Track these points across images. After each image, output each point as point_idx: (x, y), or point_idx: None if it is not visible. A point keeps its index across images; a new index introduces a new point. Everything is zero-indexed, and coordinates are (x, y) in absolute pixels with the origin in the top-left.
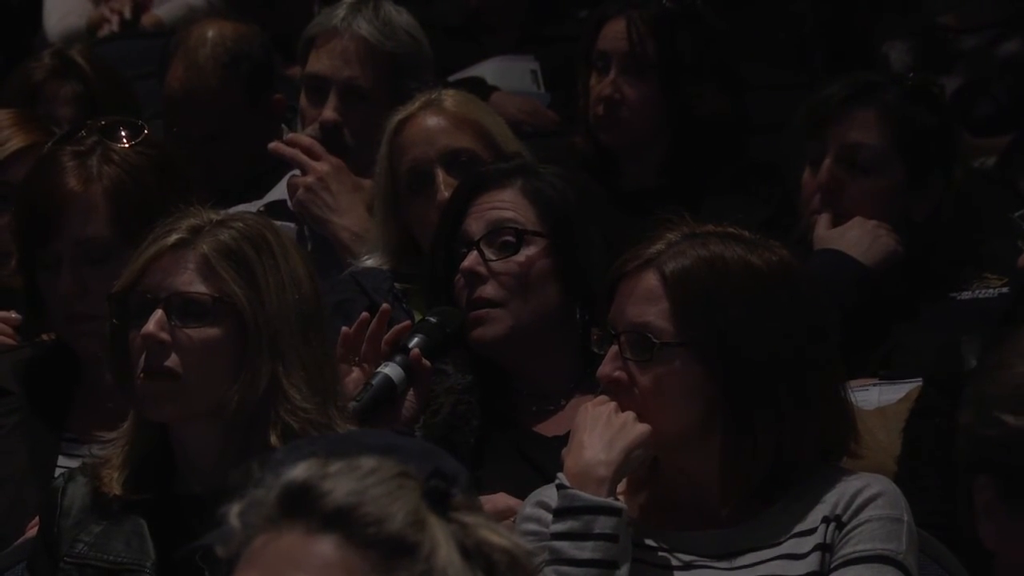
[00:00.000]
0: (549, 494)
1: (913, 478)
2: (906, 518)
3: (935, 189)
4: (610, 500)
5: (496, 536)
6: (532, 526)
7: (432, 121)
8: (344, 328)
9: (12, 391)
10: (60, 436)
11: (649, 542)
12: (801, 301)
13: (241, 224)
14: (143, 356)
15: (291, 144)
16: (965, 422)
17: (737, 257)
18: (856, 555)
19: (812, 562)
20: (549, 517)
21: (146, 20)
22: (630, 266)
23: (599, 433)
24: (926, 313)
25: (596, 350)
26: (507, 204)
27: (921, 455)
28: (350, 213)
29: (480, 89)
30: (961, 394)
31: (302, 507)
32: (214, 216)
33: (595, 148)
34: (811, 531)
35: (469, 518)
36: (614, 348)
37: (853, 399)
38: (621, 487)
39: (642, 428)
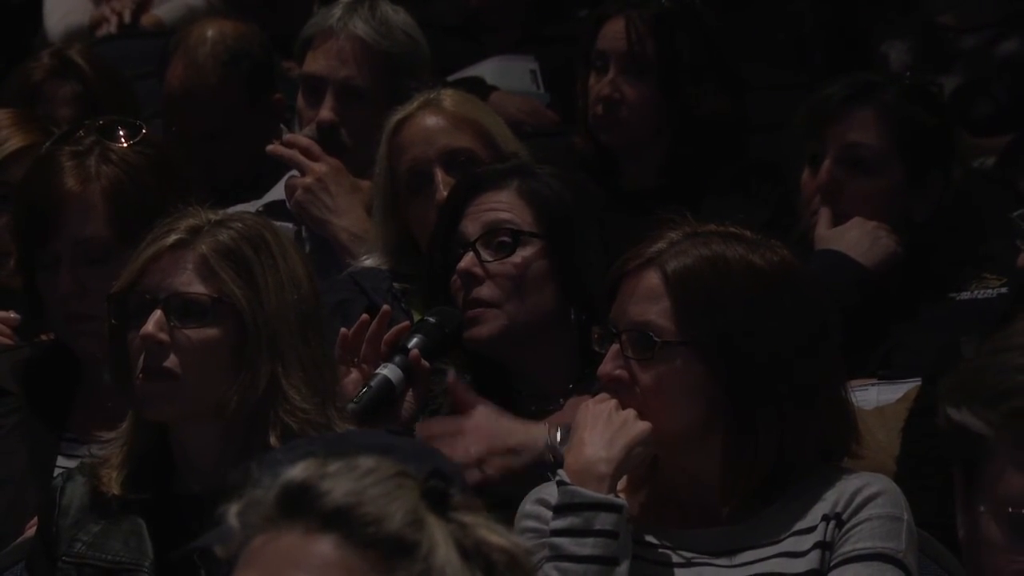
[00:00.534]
0: (549, 491)
1: (912, 477)
2: (906, 517)
3: (935, 189)
4: (610, 496)
5: (495, 536)
6: (532, 523)
7: (431, 121)
8: (343, 329)
9: (12, 391)
10: (59, 436)
11: (649, 539)
12: (802, 301)
13: (240, 224)
14: (142, 356)
15: (289, 145)
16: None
17: (739, 256)
18: (856, 553)
19: (812, 560)
20: (549, 514)
21: (146, 20)
22: (632, 265)
23: (600, 430)
24: (925, 313)
25: (597, 348)
26: (503, 205)
27: (920, 454)
28: (349, 214)
29: (479, 89)
30: None
31: (301, 507)
32: (213, 216)
33: (595, 148)
34: (811, 529)
35: (468, 518)
36: (615, 347)
37: (853, 399)
38: (621, 485)
39: (643, 426)
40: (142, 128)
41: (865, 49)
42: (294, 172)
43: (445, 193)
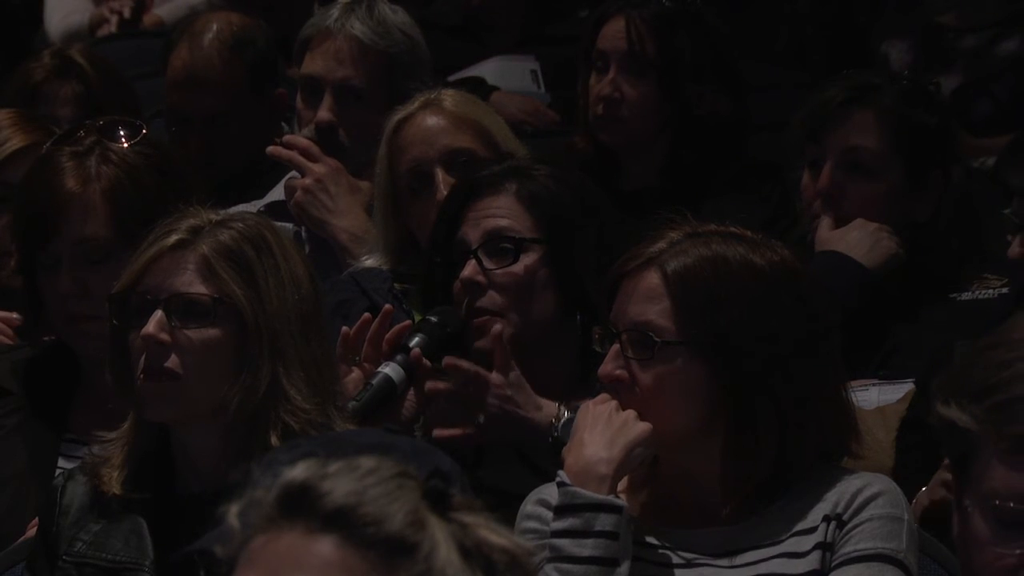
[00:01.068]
0: (550, 492)
1: (905, 487)
2: (906, 517)
3: (935, 189)
4: (611, 498)
5: (495, 536)
6: (533, 523)
7: (431, 121)
8: (344, 328)
9: (12, 391)
10: (60, 437)
11: (650, 540)
12: (802, 301)
13: (241, 224)
14: (143, 357)
15: (288, 146)
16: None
17: (739, 256)
18: (856, 554)
19: (812, 560)
20: (549, 515)
21: (147, 20)
22: (632, 265)
23: (600, 431)
24: (926, 313)
25: (597, 348)
26: (503, 211)
27: (912, 467)
28: (348, 214)
29: (480, 89)
30: None
31: (301, 507)
32: (214, 216)
33: (595, 148)
34: (812, 530)
35: (469, 518)
36: (615, 347)
37: (854, 399)
38: (622, 486)
39: (643, 426)
40: (142, 128)
41: (866, 49)
42: (294, 173)
43: (446, 193)
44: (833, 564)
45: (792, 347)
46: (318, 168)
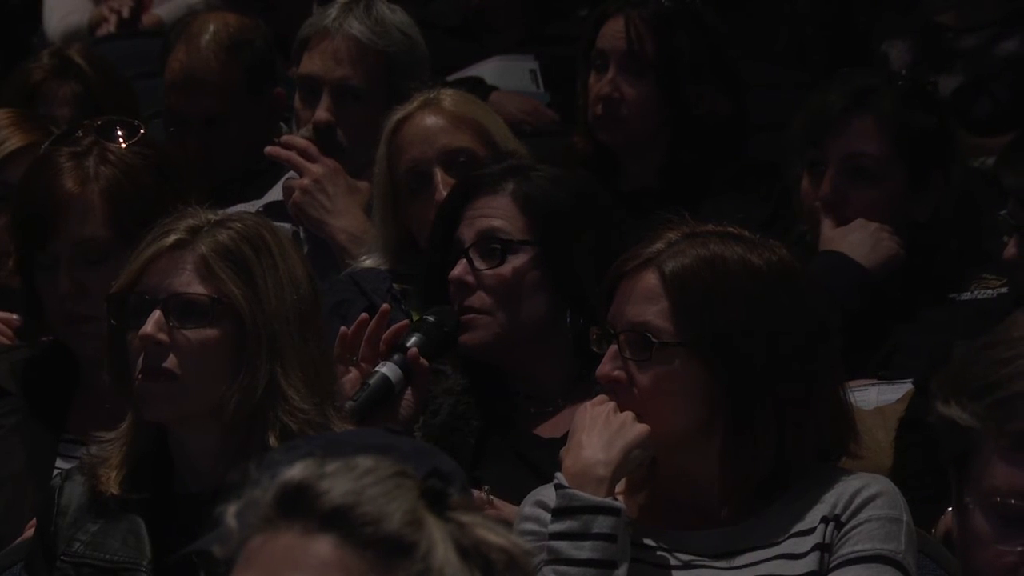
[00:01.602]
0: (548, 494)
1: (904, 488)
2: (905, 518)
3: (935, 188)
4: (608, 500)
5: (494, 535)
6: (531, 526)
7: (431, 121)
8: (343, 328)
9: (11, 392)
10: (58, 437)
11: (648, 541)
12: (801, 301)
13: (239, 224)
14: (141, 357)
15: (286, 146)
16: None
17: (737, 257)
18: (855, 555)
19: (811, 562)
20: (548, 517)
21: (146, 20)
22: (629, 265)
23: (598, 433)
24: (925, 314)
25: (595, 349)
26: (497, 212)
27: (911, 468)
28: (346, 215)
29: (479, 89)
30: None
31: (299, 507)
32: (212, 216)
33: (595, 148)
34: (810, 531)
35: (466, 517)
36: (613, 348)
37: (852, 399)
38: (620, 487)
39: (641, 428)
40: (140, 128)
41: (866, 49)
42: (292, 173)
43: (445, 193)
44: (831, 565)
45: (790, 347)
46: (316, 168)
